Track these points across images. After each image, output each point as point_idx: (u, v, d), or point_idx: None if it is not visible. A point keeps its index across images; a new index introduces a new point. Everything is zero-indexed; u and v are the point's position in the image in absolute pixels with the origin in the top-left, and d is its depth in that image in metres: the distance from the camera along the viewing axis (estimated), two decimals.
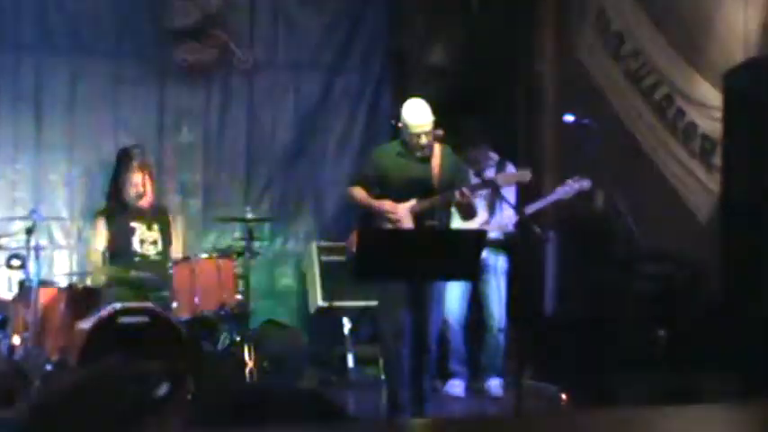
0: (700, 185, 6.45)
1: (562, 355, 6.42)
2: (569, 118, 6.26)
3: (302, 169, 7.58)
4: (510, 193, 6.25)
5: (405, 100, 5.59)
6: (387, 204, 5.45)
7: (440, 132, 5.42)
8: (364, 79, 7.73)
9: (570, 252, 7.35)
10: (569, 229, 7.25)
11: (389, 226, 5.40)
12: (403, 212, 5.40)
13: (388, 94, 7.73)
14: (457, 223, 5.65)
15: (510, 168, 6.40)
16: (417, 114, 5.41)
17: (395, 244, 4.86)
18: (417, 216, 5.39)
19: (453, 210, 5.53)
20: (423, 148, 5.42)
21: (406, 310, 5.25)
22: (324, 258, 7.15)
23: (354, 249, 4.98)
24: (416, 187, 5.43)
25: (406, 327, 5.30)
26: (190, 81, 7.23)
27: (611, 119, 6.98)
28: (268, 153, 7.48)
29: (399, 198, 5.44)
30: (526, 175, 5.57)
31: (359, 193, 5.57)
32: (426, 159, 5.46)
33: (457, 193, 5.29)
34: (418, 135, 5.38)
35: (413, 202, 5.41)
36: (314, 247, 7.24)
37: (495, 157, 6.53)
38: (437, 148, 5.47)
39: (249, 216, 6.45)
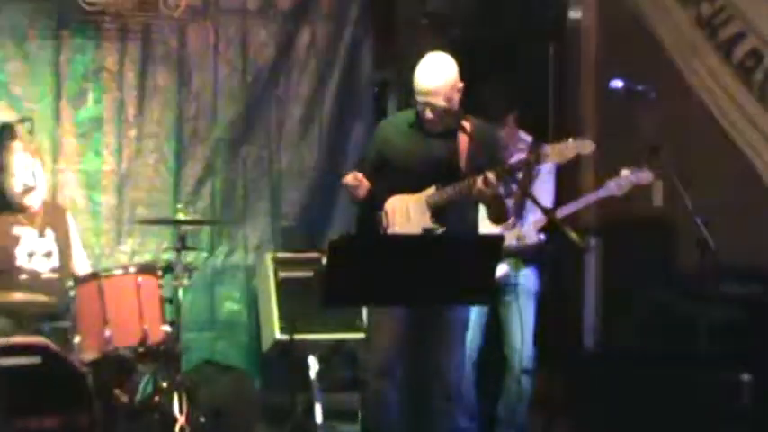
0: None
1: (607, 404, 6.38)
2: (617, 83, 6.25)
3: (253, 153, 7.57)
4: (547, 186, 6.32)
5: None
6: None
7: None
8: (337, 30, 7.73)
9: (618, 266, 7.33)
10: (617, 235, 7.20)
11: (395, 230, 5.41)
12: (416, 206, 5.38)
13: (370, 50, 7.70)
14: (485, 226, 5.65)
15: None
16: (425, 75, 5.38)
17: (376, 256, 4.73)
18: (436, 211, 5.36)
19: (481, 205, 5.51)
20: (429, 122, 5.41)
21: (398, 342, 5.31)
22: (283, 275, 7.15)
23: None
24: (435, 171, 5.40)
25: (396, 364, 5.35)
26: (98, 33, 7.17)
27: (676, 84, 7.02)
28: (206, 131, 7.47)
29: (412, 186, 5.42)
30: (587, 145, 5.44)
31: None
32: (451, 133, 5.42)
33: (480, 181, 5.19)
34: (423, 104, 5.38)
35: (431, 190, 5.38)
36: (269, 259, 7.24)
37: (527, 138, 6.51)
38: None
39: (181, 217, 6.48)
